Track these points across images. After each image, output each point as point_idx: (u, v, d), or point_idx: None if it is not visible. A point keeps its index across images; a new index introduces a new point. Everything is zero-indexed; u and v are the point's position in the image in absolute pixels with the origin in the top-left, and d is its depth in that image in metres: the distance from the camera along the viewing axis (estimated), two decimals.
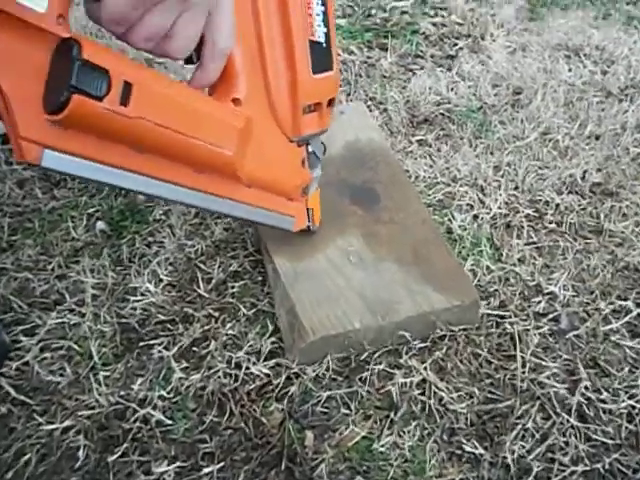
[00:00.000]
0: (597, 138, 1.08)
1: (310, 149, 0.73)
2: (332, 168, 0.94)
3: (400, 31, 1.48)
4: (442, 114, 1.15)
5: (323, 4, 0.63)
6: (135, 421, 0.70)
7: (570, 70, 1.28)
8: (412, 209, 0.87)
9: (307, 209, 0.77)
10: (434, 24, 1.54)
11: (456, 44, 1.43)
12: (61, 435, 0.69)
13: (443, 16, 1.57)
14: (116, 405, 0.71)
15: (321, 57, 0.65)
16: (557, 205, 0.94)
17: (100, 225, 0.94)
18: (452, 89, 1.22)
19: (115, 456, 0.67)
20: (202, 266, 0.86)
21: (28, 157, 0.45)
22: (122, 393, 0.73)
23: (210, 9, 0.50)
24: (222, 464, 0.66)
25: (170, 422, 0.70)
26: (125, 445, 0.68)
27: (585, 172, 1.00)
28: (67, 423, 0.70)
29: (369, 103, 1.18)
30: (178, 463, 0.66)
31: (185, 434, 0.69)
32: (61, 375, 0.75)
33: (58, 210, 0.97)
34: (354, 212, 0.87)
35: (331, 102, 0.70)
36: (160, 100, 0.52)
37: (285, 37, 0.63)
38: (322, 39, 0.65)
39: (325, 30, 0.65)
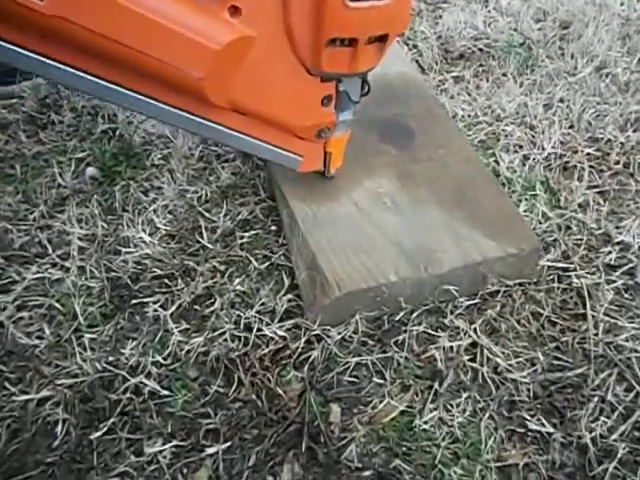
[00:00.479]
0: None
1: (341, 87, 0.57)
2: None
3: None
4: (480, 49, 1.01)
5: None
6: (125, 391, 0.58)
7: (622, 4, 1.13)
8: (453, 146, 0.74)
9: (325, 152, 0.64)
10: None
11: None
12: (37, 407, 0.58)
13: None
14: (103, 373, 0.60)
15: None
16: (622, 144, 0.80)
17: (90, 171, 0.82)
18: (489, 24, 1.08)
19: (100, 433, 0.55)
20: (206, 214, 0.74)
21: None
22: (110, 359, 0.61)
23: None
24: (229, 443, 0.54)
25: (167, 393, 0.58)
26: (112, 420, 0.56)
27: None
28: (44, 393, 0.58)
29: (396, 39, 1.04)
30: (175, 442, 0.54)
31: (184, 407, 0.57)
32: (39, 338, 0.63)
33: (44, 155, 0.85)
34: (385, 151, 0.73)
35: (381, 39, 0.52)
36: (96, 2, 0.41)
37: None
38: None
39: None
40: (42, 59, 0.44)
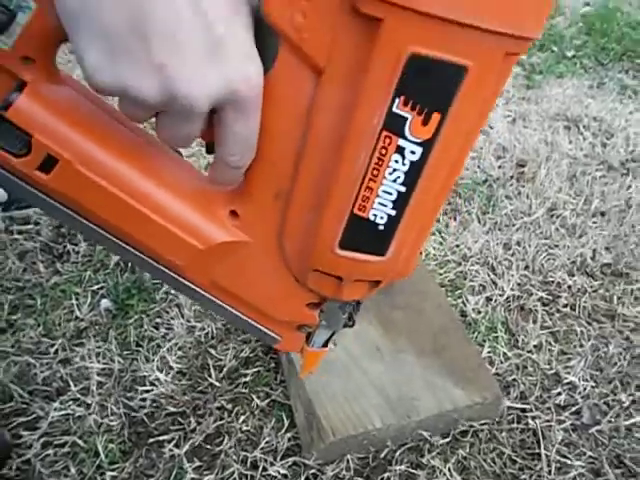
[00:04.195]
0: (602, 214, 1.09)
1: (322, 317, 0.57)
2: None
3: None
4: None
5: (405, 184, 0.46)
6: None
7: (571, 142, 1.30)
8: (427, 291, 0.86)
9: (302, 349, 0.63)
10: None
11: None
12: None
13: None
14: None
15: (364, 236, 0.48)
16: (569, 287, 0.94)
17: (105, 303, 0.91)
18: None
19: None
20: (212, 352, 0.84)
21: None
22: None
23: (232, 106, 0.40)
24: None
25: None
26: None
27: (594, 251, 1.00)
28: None
29: None
30: None
31: None
32: (65, 476, 0.71)
33: (61, 286, 0.94)
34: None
35: (372, 281, 0.52)
36: (92, 189, 0.46)
37: (323, 185, 0.47)
38: (379, 219, 0.47)
39: (392, 212, 0.47)
40: (45, 198, 0.47)
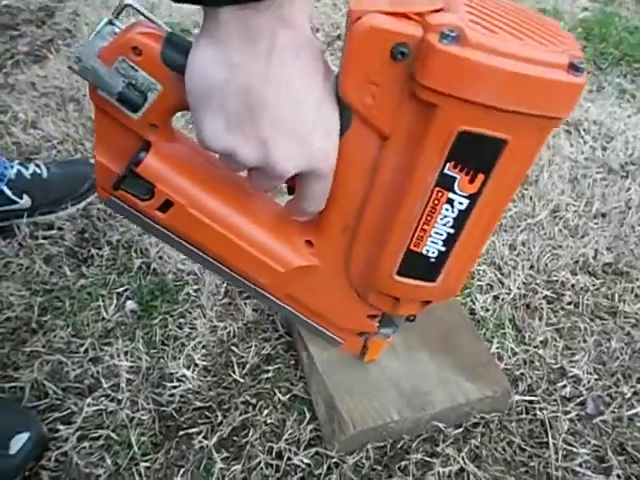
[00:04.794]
0: (603, 216, 1.14)
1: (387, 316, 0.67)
2: None
3: None
4: None
5: (454, 227, 0.53)
6: None
7: (572, 146, 1.35)
8: None
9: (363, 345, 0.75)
10: None
11: None
12: None
13: None
14: None
15: (418, 266, 0.56)
16: (573, 285, 0.98)
17: (130, 305, 0.96)
18: None
19: None
20: (235, 349, 0.88)
21: (100, 197, 0.60)
22: None
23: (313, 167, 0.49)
24: None
25: None
26: None
27: (596, 251, 1.05)
28: None
29: None
30: None
31: None
32: (101, 466, 0.75)
33: (87, 288, 0.99)
34: None
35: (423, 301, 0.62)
36: (197, 225, 0.58)
37: (384, 227, 0.55)
38: (431, 254, 0.55)
39: (442, 249, 0.55)
40: (160, 228, 0.61)
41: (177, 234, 0.60)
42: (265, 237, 0.59)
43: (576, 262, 1.03)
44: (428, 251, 0.56)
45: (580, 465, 0.75)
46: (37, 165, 1.14)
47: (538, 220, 1.12)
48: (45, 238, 1.08)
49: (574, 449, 0.77)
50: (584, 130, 1.41)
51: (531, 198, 1.17)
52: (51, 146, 1.31)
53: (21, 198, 1.10)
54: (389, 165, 0.52)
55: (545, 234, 1.09)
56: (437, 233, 0.54)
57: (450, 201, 0.52)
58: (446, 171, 0.50)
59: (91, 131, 1.36)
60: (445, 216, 0.53)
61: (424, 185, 0.51)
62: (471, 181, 0.51)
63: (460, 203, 0.52)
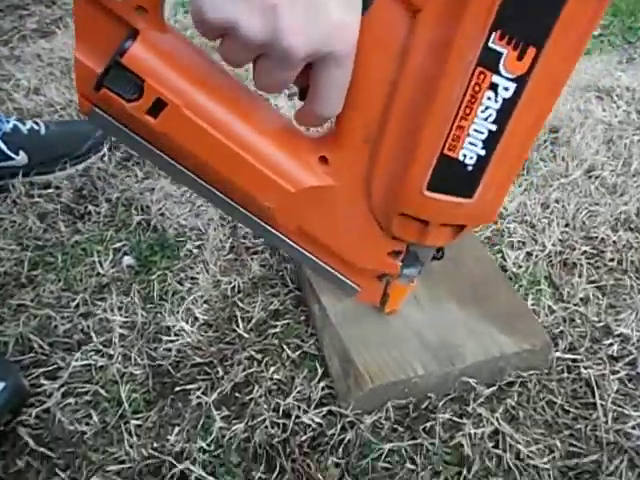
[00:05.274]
0: None
1: (412, 248, 0.58)
2: None
3: None
4: None
5: (497, 123, 0.45)
6: (172, 478, 0.61)
7: (604, 110, 1.26)
8: (465, 244, 0.81)
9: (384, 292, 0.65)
10: None
11: None
12: None
13: None
14: (149, 459, 0.63)
15: (453, 177, 0.48)
16: (614, 242, 0.89)
17: (127, 260, 0.88)
18: None
19: None
20: (240, 304, 0.80)
21: (81, 109, 0.50)
22: (156, 445, 0.65)
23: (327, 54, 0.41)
24: None
25: (212, 479, 0.61)
26: None
27: (638, 209, 0.95)
28: (93, 479, 0.61)
29: None
30: None
31: None
32: (87, 424, 0.67)
33: (82, 244, 0.91)
34: None
35: (457, 226, 0.53)
36: (194, 131, 0.48)
37: (414, 126, 0.47)
38: (468, 160, 0.47)
39: (482, 152, 0.47)
40: (147, 145, 0.51)
41: (169, 147, 0.51)
42: (273, 150, 0.50)
43: (616, 219, 0.93)
44: (465, 156, 0.47)
45: (633, 428, 0.65)
46: (35, 122, 1.08)
47: (572, 179, 1.02)
48: (41, 196, 1.01)
49: (625, 411, 0.67)
50: (617, 96, 1.32)
51: (563, 158, 1.08)
52: (53, 111, 1.25)
53: (17, 154, 1.03)
54: (421, 46, 0.44)
55: (580, 192, 0.99)
56: (476, 131, 0.46)
57: (494, 87, 0.44)
58: (491, 44, 0.42)
59: None
60: (487, 107, 0.45)
61: (463, 65, 0.43)
62: (520, 57, 0.43)
63: (505, 89, 0.44)
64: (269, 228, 0.56)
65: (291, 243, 0.57)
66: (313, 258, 0.59)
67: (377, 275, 0.62)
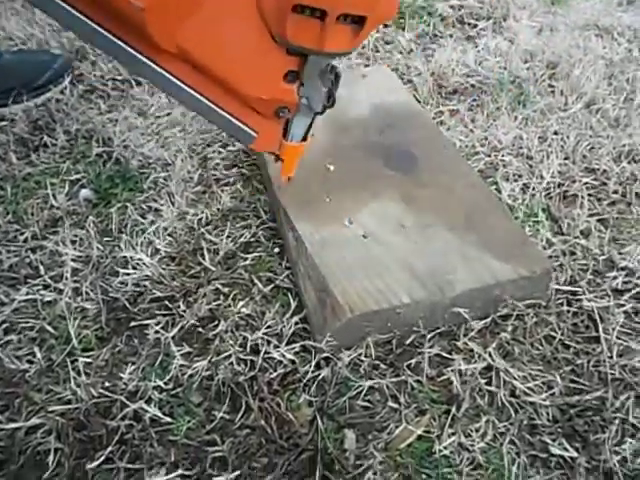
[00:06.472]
0: None
1: (302, 93, 0.52)
2: (358, 130, 0.81)
3: (415, 12, 1.37)
4: (473, 85, 1.03)
5: None
6: (123, 418, 0.54)
7: (605, 47, 1.18)
8: (457, 171, 0.74)
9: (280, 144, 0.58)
10: (451, 6, 1.43)
11: (476, 25, 1.32)
12: (26, 436, 0.53)
13: None
14: (99, 399, 0.56)
15: None
16: (618, 174, 0.82)
17: (85, 193, 0.80)
18: (480, 63, 1.10)
19: (96, 463, 0.51)
20: (208, 236, 0.72)
21: None
22: (107, 384, 0.57)
23: None
24: (237, 472, 0.51)
25: (169, 420, 0.54)
26: (110, 449, 0.52)
27: None
28: (34, 421, 0.54)
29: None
30: (180, 471, 0.51)
31: (188, 435, 0.53)
32: (30, 362, 0.59)
33: (35, 177, 0.82)
34: (390, 175, 0.73)
35: (357, 21, 0.46)
36: None
37: None
38: None
39: None
40: None
41: None
42: None
43: (620, 152, 0.86)
44: None
45: None
46: None
47: (572, 113, 0.95)
48: None
49: (632, 345, 0.60)
50: (618, 34, 1.24)
51: (562, 92, 1.00)
52: (13, 45, 1.15)
53: None
54: None
55: (581, 125, 0.92)
56: None
57: None
58: None
59: (58, 31, 1.19)
60: None
61: None
62: None
63: None
64: (153, 66, 0.47)
65: (179, 83, 0.49)
66: (204, 100, 0.51)
67: (274, 109, 0.53)
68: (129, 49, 0.45)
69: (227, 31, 0.46)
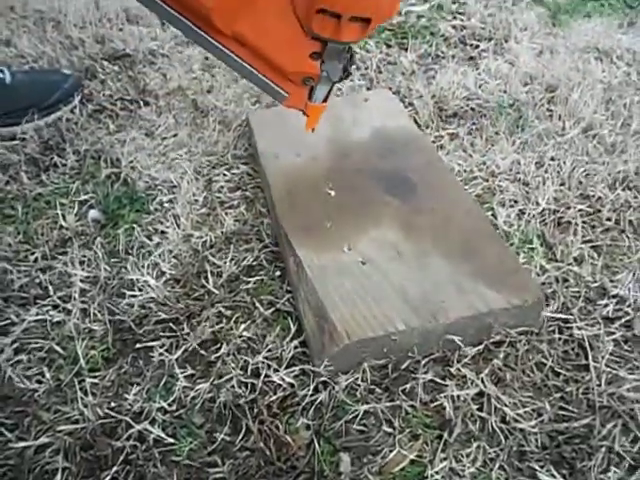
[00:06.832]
0: None
1: (323, 68, 0.68)
2: (359, 155, 0.84)
3: (418, 33, 1.40)
4: (472, 109, 1.06)
5: None
6: (128, 439, 0.57)
7: (604, 71, 1.20)
8: (455, 198, 0.76)
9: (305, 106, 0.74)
10: (453, 27, 1.46)
11: (478, 46, 1.34)
12: (35, 455, 0.56)
13: (462, 20, 1.50)
14: (105, 419, 0.58)
15: None
16: (612, 202, 0.84)
17: (93, 213, 0.82)
18: (480, 86, 1.13)
19: None
20: (211, 259, 0.74)
21: None
22: (113, 404, 0.60)
23: None
24: None
25: (172, 440, 0.57)
26: (115, 469, 0.54)
27: (638, 168, 0.90)
28: (43, 440, 0.57)
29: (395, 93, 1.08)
30: None
31: (190, 456, 0.56)
32: (39, 382, 0.62)
33: (45, 197, 0.85)
34: (389, 202, 0.75)
35: (364, 20, 0.61)
36: None
37: None
38: None
39: None
40: None
41: None
42: None
43: (615, 178, 0.88)
44: None
45: (628, 391, 0.60)
46: (0, 70, 1.01)
47: (569, 138, 0.97)
48: (4, 148, 0.95)
49: (620, 373, 0.62)
50: (617, 57, 1.26)
51: (560, 117, 1.02)
52: (24, 63, 1.18)
53: None
54: None
55: (577, 151, 0.94)
56: None
57: None
58: None
59: (69, 49, 1.23)
60: None
61: None
62: None
63: None
64: (209, 38, 0.65)
65: (229, 52, 0.66)
66: (248, 67, 0.68)
67: (302, 79, 0.69)
68: (199, 31, 0.64)
69: (271, 22, 0.64)
